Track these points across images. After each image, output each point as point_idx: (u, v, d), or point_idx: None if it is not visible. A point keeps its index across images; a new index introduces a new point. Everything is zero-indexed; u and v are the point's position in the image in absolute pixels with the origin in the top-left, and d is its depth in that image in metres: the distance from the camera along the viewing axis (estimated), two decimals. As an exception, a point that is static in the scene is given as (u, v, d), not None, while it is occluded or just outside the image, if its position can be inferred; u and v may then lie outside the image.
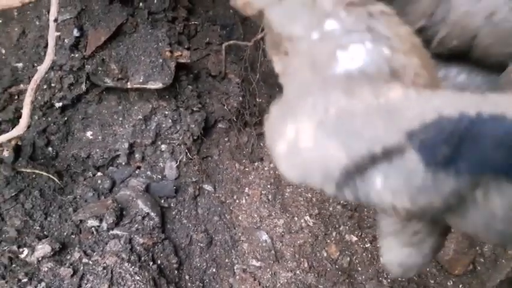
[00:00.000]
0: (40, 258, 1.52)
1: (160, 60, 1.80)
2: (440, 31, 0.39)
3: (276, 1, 0.34)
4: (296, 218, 2.11)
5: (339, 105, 0.28)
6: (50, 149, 1.82)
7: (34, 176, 1.71)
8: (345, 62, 0.30)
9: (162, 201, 1.93)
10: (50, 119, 1.80)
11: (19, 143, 1.60)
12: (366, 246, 2.12)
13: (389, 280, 2.04)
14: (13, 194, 1.62)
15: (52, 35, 1.26)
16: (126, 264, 1.57)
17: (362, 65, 0.30)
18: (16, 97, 1.70)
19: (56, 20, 1.25)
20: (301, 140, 0.28)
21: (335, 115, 0.28)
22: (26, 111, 1.31)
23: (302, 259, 2.00)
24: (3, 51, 1.66)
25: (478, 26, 0.38)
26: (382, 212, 0.33)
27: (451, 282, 2.12)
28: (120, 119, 1.92)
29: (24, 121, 1.30)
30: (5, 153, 1.51)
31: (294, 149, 0.29)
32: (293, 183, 0.30)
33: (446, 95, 0.28)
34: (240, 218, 2.09)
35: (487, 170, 0.27)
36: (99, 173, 1.91)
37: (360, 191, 0.28)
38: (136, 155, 1.96)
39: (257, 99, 2.43)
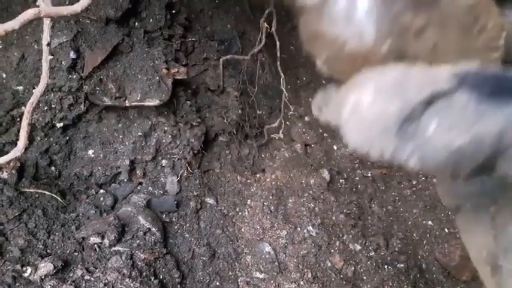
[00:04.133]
0: (43, 277, 1.55)
1: (157, 78, 1.84)
2: None
3: None
4: (299, 229, 2.11)
5: (395, 72, 0.35)
6: (52, 168, 1.86)
7: (37, 195, 1.75)
8: None
9: (164, 216, 1.95)
10: (52, 139, 1.84)
11: (18, 164, 1.64)
12: (370, 254, 2.10)
13: (395, 288, 2.02)
14: (16, 214, 1.65)
15: (46, 59, 1.30)
16: (127, 280, 1.59)
17: None
18: (18, 119, 1.75)
19: (49, 44, 1.29)
20: (362, 101, 0.35)
21: (389, 79, 0.34)
22: (23, 133, 1.34)
23: (306, 270, 1.99)
24: (4, 75, 1.71)
25: None
26: (436, 170, 0.36)
27: (459, 289, 2.09)
28: (121, 136, 1.95)
29: (21, 143, 1.33)
30: (5, 175, 1.55)
31: (356, 109, 0.35)
32: (351, 147, 0.40)
33: None
34: (242, 230, 2.10)
35: None
36: (101, 190, 1.94)
37: (417, 140, 0.33)
38: (138, 171, 1.99)
39: (257, 111, 2.46)
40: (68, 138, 1.88)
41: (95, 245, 1.71)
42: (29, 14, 0.96)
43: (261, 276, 1.97)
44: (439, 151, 0.32)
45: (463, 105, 0.31)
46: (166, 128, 2.00)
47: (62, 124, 1.82)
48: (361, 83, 0.36)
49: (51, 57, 1.30)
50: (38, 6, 1.10)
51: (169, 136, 2.00)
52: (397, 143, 0.33)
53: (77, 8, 1.03)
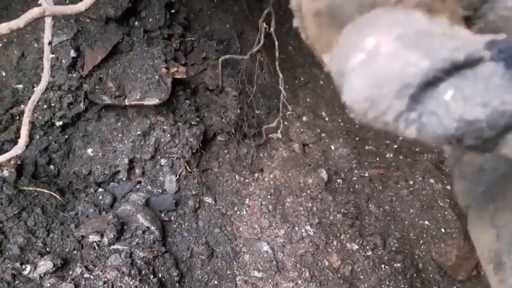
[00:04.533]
0: (42, 275, 1.55)
1: (157, 77, 1.84)
2: (478, 24, 0.42)
3: None
4: (297, 228, 2.12)
5: (420, 25, 0.31)
6: (51, 167, 1.86)
7: (36, 193, 1.75)
8: None
9: (163, 214, 1.96)
10: (51, 137, 1.84)
11: (19, 162, 1.64)
12: (368, 254, 2.12)
13: None
14: (16, 212, 1.65)
15: (47, 57, 1.31)
16: (126, 278, 1.59)
17: None
18: (17, 117, 1.75)
19: (50, 43, 1.29)
20: (382, 49, 0.30)
21: (414, 32, 0.30)
22: (24, 131, 1.34)
23: (303, 269, 2.00)
24: (4, 74, 1.71)
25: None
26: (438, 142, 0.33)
27: (455, 288, 2.12)
28: (120, 135, 1.96)
29: (22, 140, 1.34)
30: (5, 173, 1.55)
31: (373, 57, 0.30)
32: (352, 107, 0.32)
33: None
34: (240, 229, 2.11)
35: None
36: (100, 189, 1.94)
37: (428, 105, 0.29)
38: (137, 170, 1.99)
39: (255, 111, 2.47)
40: (67, 136, 1.88)
41: (94, 244, 1.71)
42: (33, 12, 0.97)
43: (259, 275, 1.98)
44: (449, 120, 0.29)
45: (488, 75, 0.28)
46: (165, 127, 2.01)
47: (61, 123, 1.83)
48: (378, 25, 0.31)
49: (52, 55, 1.31)
50: (38, 5, 1.11)
51: (168, 135, 2.01)
52: (407, 105, 0.29)
53: (80, 7, 1.04)
